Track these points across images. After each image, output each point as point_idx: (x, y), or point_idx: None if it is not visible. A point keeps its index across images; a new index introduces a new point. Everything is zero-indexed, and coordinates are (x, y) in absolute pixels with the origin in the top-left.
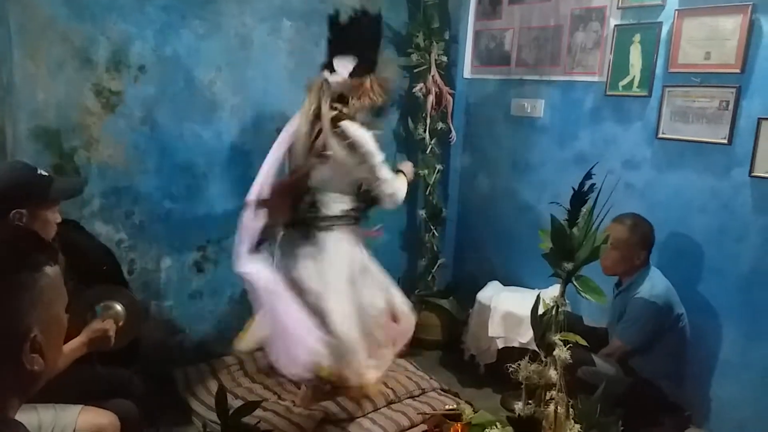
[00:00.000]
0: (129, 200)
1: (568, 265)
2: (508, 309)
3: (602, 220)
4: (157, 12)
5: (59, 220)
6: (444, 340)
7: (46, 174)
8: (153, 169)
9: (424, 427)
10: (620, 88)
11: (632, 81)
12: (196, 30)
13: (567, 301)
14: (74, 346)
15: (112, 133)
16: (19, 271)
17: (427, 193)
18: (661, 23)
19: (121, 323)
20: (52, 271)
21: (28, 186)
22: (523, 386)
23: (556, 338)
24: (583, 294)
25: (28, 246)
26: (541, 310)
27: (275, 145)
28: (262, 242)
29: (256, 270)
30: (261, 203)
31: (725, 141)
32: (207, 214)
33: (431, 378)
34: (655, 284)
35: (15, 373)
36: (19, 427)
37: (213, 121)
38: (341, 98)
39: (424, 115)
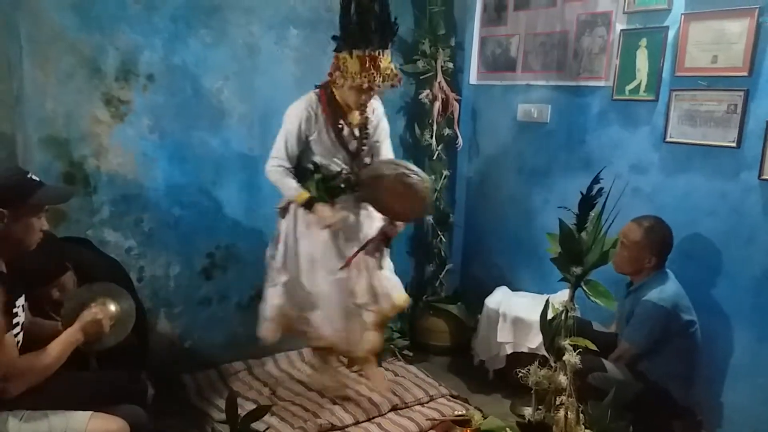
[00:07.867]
0: (138, 208)
1: (577, 270)
2: (517, 314)
3: (611, 224)
4: (164, 22)
5: (46, 226)
6: (453, 346)
7: (36, 179)
8: (162, 177)
9: None
10: (627, 93)
11: (639, 85)
12: (204, 39)
13: (576, 306)
14: (69, 333)
15: (122, 142)
16: None
17: (434, 198)
18: (667, 27)
19: (112, 323)
20: None
21: (11, 187)
22: (533, 391)
23: (566, 343)
24: (592, 298)
25: None
26: (550, 315)
27: None
28: None
29: None
30: None
31: (734, 144)
32: (216, 221)
33: (440, 384)
34: (665, 288)
35: None
36: None
37: (221, 129)
38: None
39: (430, 121)
